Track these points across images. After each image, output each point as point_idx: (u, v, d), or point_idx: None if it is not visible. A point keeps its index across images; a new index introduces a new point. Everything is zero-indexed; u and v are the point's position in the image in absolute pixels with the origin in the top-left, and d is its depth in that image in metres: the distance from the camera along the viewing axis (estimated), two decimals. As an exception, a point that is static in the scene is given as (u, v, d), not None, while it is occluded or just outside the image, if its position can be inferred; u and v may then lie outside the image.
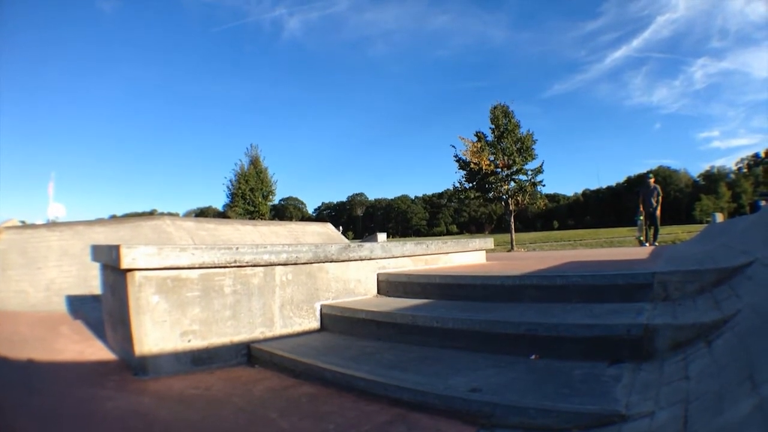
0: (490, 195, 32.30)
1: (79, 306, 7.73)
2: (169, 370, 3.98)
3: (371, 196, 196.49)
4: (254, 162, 41.06)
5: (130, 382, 3.84)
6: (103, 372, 4.19)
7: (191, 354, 4.09)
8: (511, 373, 2.86)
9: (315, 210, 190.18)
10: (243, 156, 42.15)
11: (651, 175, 18.41)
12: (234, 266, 4.36)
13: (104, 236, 8.64)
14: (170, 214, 10.46)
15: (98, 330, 5.57)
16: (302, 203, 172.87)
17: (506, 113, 32.08)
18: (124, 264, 3.83)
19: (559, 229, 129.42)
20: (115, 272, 4.31)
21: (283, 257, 4.63)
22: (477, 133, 32.07)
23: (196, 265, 4.15)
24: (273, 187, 41.83)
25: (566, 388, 2.47)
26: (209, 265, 4.22)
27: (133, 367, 4.03)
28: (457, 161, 32.06)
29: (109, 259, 4.23)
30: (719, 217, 26.00)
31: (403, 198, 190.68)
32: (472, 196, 32.76)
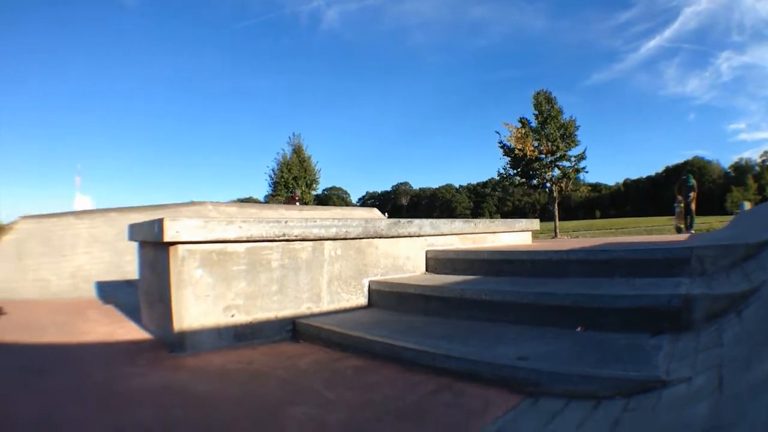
0: (535, 181, 32.91)
1: (111, 292, 7.71)
2: (209, 345, 3.90)
3: (416, 186, 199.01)
4: (297, 150, 40.69)
5: (165, 359, 3.75)
6: (135, 351, 4.09)
7: (234, 329, 4.02)
8: (557, 343, 2.95)
9: (359, 199, 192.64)
10: (285, 145, 41.90)
11: (690, 177, 19.06)
12: (282, 240, 4.28)
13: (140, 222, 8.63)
14: (211, 202, 10.43)
15: (132, 314, 5.51)
16: (346, 193, 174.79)
17: (549, 99, 32.66)
18: (168, 237, 3.73)
19: (600, 218, 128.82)
20: (155, 248, 4.26)
21: (332, 231, 4.55)
22: (521, 119, 32.74)
23: (244, 239, 4.06)
24: (317, 176, 41.38)
25: (610, 357, 2.57)
26: (257, 239, 4.13)
27: (170, 344, 3.97)
28: (501, 147, 32.78)
29: (150, 235, 4.15)
30: (747, 206, 26.46)
31: (448, 187, 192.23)
32: (517, 182, 33.53)
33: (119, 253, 8.47)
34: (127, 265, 8.33)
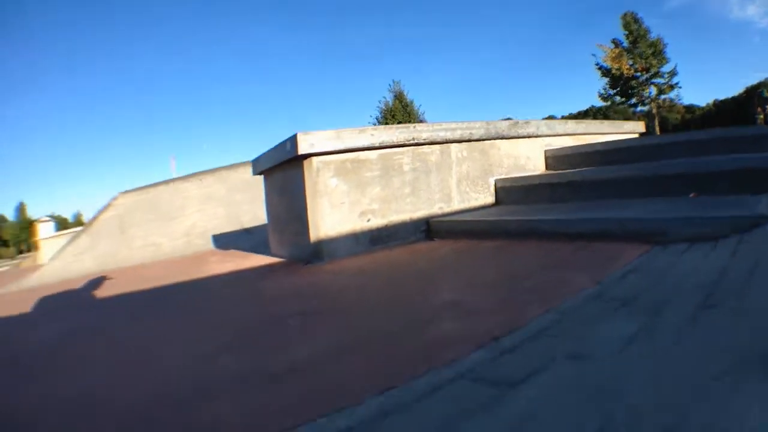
0: (633, 100, 33.64)
1: (229, 241, 8.04)
2: (345, 251, 4.03)
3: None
4: (398, 97, 40.49)
5: (302, 270, 3.87)
6: (271, 270, 4.27)
7: (370, 233, 4.13)
8: (675, 204, 3.23)
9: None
10: (386, 93, 41.68)
11: (765, 91, 21.78)
12: (412, 144, 4.34)
13: (250, 176, 8.88)
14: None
15: (257, 250, 5.71)
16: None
17: (635, 19, 33.05)
18: (301, 150, 3.82)
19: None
20: (286, 168, 4.38)
21: (457, 134, 4.59)
22: (613, 40, 33.45)
23: (376, 145, 4.14)
24: (421, 119, 41.36)
25: (722, 207, 2.82)
26: (388, 145, 4.21)
27: (307, 257, 4.10)
28: (598, 69, 33.81)
29: (280, 155, 4.29)
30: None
31: (549, 119, 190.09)
32: (618, 102, 34.47)
33: (234, 204, 8.80)
34: (243, 215, 8.70)
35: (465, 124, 4.66)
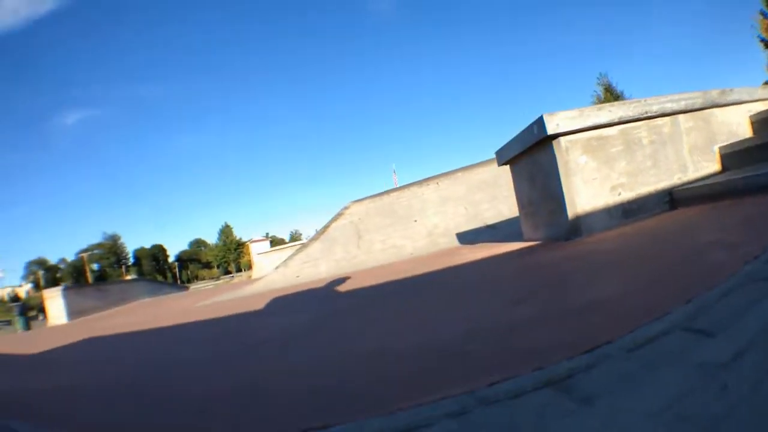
0: None
1: (473, 237, 8.69)
2: (600, 226, 4.47)
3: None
4: (608, 89, 40.68)
5: (561, 246, 4.36)
6: (529, 250, 4.82)
7: (621, 207, 4.57)
8: None
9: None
10: (595, 87, 41.76)
11: None
12: (644, 118, 4.75)
13: (489, 174, 9.47)
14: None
15: (507, 240, 6.29)
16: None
17: None
18: (550, 130, 4.39)
19: None
20: (532, 156, 4.98)
21: (682, 104, 4.92)
22: (760, 11, 31.30)
23: (615, 121, 4.61)
24: None
25: None
26: (624, 120, 4.65)
27: (564, 234, 4.61)
28: (760, 42, 31.54)
29: (527, 140, 4.88)
30: None
31: (747, 88, 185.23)
32: None
33: (474, 204, 9.48)
34: (484, 212, 9.37)
35: (686, 95, 4.98)
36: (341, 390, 1.76)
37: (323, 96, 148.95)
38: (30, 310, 22.68)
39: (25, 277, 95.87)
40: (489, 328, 2.14)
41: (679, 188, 4.67)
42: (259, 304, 6.08)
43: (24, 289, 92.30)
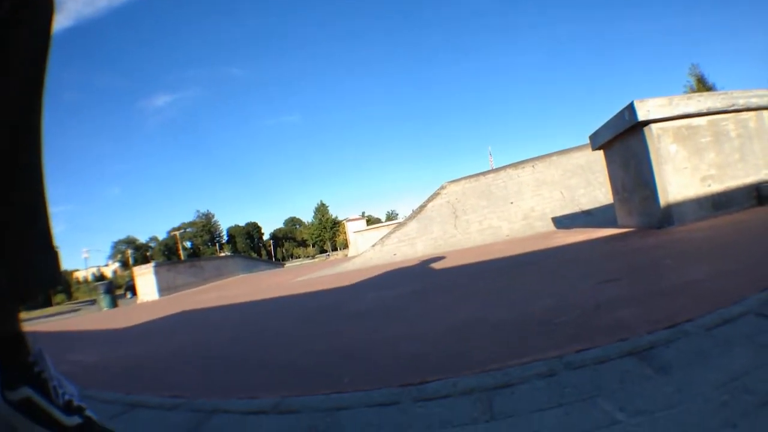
0: None
1: (569, 222, 8.92)
2: (691, 216, 4.61)
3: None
4: (699, 80, 40.03)
5: (654, 233, 4.49)
6: (623, 236, 5.01)
7: (711, 198, 4.70)
8: None
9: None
10: (687, 77, 41.10)
11: None
12: (732, 111, 4.84)
13: (584, 159, 9.57)
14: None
15: (602, 225, 6.50)
16: None
17: None
18: (641, 116, 4.57)
19: None
20: (626, 138, 5.13)
21: (765, 100, 4.96)
22: None
23: (703, 111, 4.74)
24: None
25: None
26: (713, 111, 4.77)
27: (656, 222, 4.75)
28: None
29: (618, 126, 5.07)
30: None
31: None
32: None
33: (570, 189, 9.66)
34: (580, 197, 9.53)
35: (765, 91, 4.98)
36: (437, 353, 2.01)
37: (423, 76, 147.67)
38: (117, 289, 22.84)
39: (111, 257, 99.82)
40: (578, 304, 2.33)
41: (767, 185, 4.71)
42: (357, 280, 6.53)
43: (110, 269, 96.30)
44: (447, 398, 1.44)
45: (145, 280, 15.83)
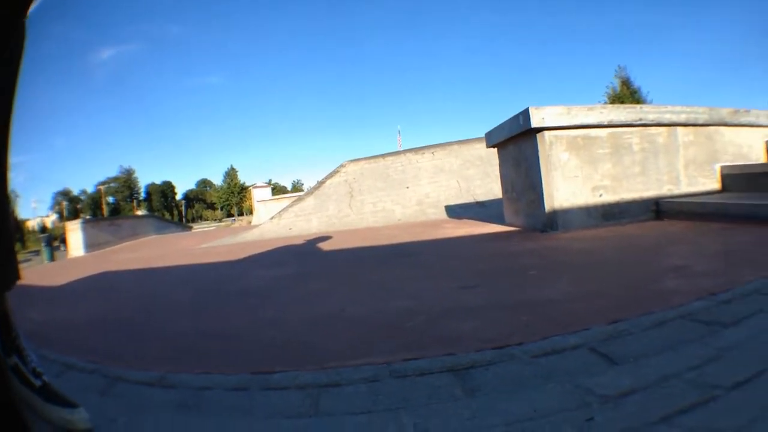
0: None
1: (462, 211, 8.86)
2: (578, 223, 4.55)
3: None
4: (624, 83, 40.38)
5: (538, 237, 4.48)
6: (507, 236, 4.90)
7: (602, 208, 4.63)
8: None
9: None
10: (612, 79, 41.57)
11: None
12: (639, 125, 4.76)
13: (485, 151, 9.33)
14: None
15: (492, 220, 6.40)
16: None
17: None
18: (534, 123, 4.44)
19: None
20: (519, 141, 5.00)
21: (682, 117, 4.92)
22: None
23: (605, 123, 4.63)
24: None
25: None
26: (616, 124, 4.67)
27: (542, 226, 4.69)
28: None
29: (513, 128, 4.91)
30: None
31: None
32: None
33: (467, 179, 9.68)
34: (476, 188, 9.56)
35: (689, 108, 4.96)
36: (294, 344, 2.14)
37: (341, 51, 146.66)
38: (54, 241, 23.72)
39: (51, 208, 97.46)
40: (431, 309, 2.41)
41: (667, 200, 4.71)
42: (251, 253, 6.60)
43: (50, 220, 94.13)
44: (286, 390, 1.59)
45: (75, 235, 15.97)
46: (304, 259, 5.58)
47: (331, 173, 9.88)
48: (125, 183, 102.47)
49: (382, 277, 3.63)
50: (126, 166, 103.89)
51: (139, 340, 2.58)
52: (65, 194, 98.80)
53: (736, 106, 5.23)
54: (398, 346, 1.85)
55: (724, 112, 5.25)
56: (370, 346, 1.92)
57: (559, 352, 1.59)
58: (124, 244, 16.45)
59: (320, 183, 9.93)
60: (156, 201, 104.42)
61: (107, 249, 15.02)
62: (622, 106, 4.72)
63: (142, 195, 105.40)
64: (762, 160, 5.52)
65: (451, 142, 10.09)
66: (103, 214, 79.73)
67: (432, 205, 9.45)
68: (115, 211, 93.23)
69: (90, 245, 15.59)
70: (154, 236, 19.18)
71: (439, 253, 4.62)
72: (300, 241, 7.48)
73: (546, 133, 4.52)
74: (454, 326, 2.05)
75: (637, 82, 39.77)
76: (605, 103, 36.42)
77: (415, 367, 1.60)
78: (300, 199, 10.10)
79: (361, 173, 9.70)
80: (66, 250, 18.08)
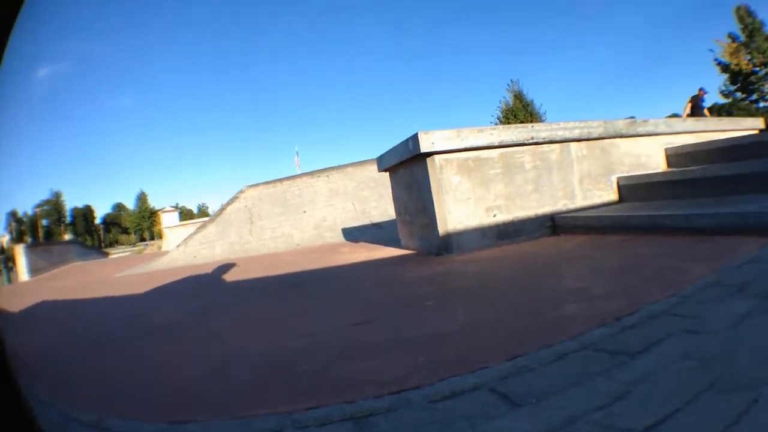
0: (754, 96, 33.27)
1: (358, 234, 8.72)
2: (473, 245, 4.44)
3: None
4: (517, 97, 40.65)
5: (433, 260, 4.34)
6: (402, 260, 4.77)
7: (496, 228, 4.53)
8: None
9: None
10: (504, 93, 41.86)
11: None
12: (531, 144, 4.69)
13: (378, 174, 9.52)
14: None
15: (388, 244, 6.27)
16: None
17: (749, 13, 32.61)
18: (424, 148, 4.28)
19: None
20: (410, 165, 4.85)
21: (576, 133, 4.88)
22: (729, 34, 33.02)
23: (496, 144, 4.52)
24: (543, 119, 41.01)
25: None
26: (508, 144, 4.58)
27: (436, 249, 4.55)
28: (717, 65, 33.41)
29: (404, 153, 4.75)
30: None
31: (667, 119, 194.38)
32: (739, 98, 34.19)
33: (362, 201, 9.69)
34: (372, 210, 9.58)
35: (583, 123, 4.93)
36: (200, 389, 2.03)
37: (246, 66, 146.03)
38: (9, 262, 23.64)
39: (6, 227, 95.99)
40: (326, 350, 2.27)
41: (563, 215, 4.66)
42: (159, 284, 6.57)
43: (5, 240, 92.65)
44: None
45: (20, 260, 16.29)
46: (206, 292, 5.42)
47: (231, 199, 9.79)
48: (54, 206, 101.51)
49: (280, 313, 3.47)
50: (55, 189, 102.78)
51: (70, 378, 2.51)
52: (13, 215, 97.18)
53: (634, 112, 5.23)
54: (299, 393, 1.76)
55: (621, 124, 5.24)
56: (271, 395, 1.81)
57: (458, 394, 1.52)
58: (54, 270, 16.48)
59: (221, 209, 9.85)
60: (79, 225, 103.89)
61: (45, 275, 15.19)
62: (513, 126, 4.61)
63: (68, 218, 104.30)
64: (662, 167, 5.55)
65: (345, 165, 10.17)
66: (39, 238, 79.74)
67: (329, 229, 9.48)
68: (49, 234, 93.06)
69: (33, 270, 15.99)
70: (77, 262, 19.08)
71: (333, 283, 4.49)
72: (206, 270, 7.33)
73: (436, 157, 4.37)
74: (348, 369, 1.95)
75: (531, 95, 40.56)
76: (499, 116, 37.57)
77: (316, 417, 1.54)
78: (203, 226, 10.00)
79: (260, 198, 9.63)
80: (17, 273, 18.29)
